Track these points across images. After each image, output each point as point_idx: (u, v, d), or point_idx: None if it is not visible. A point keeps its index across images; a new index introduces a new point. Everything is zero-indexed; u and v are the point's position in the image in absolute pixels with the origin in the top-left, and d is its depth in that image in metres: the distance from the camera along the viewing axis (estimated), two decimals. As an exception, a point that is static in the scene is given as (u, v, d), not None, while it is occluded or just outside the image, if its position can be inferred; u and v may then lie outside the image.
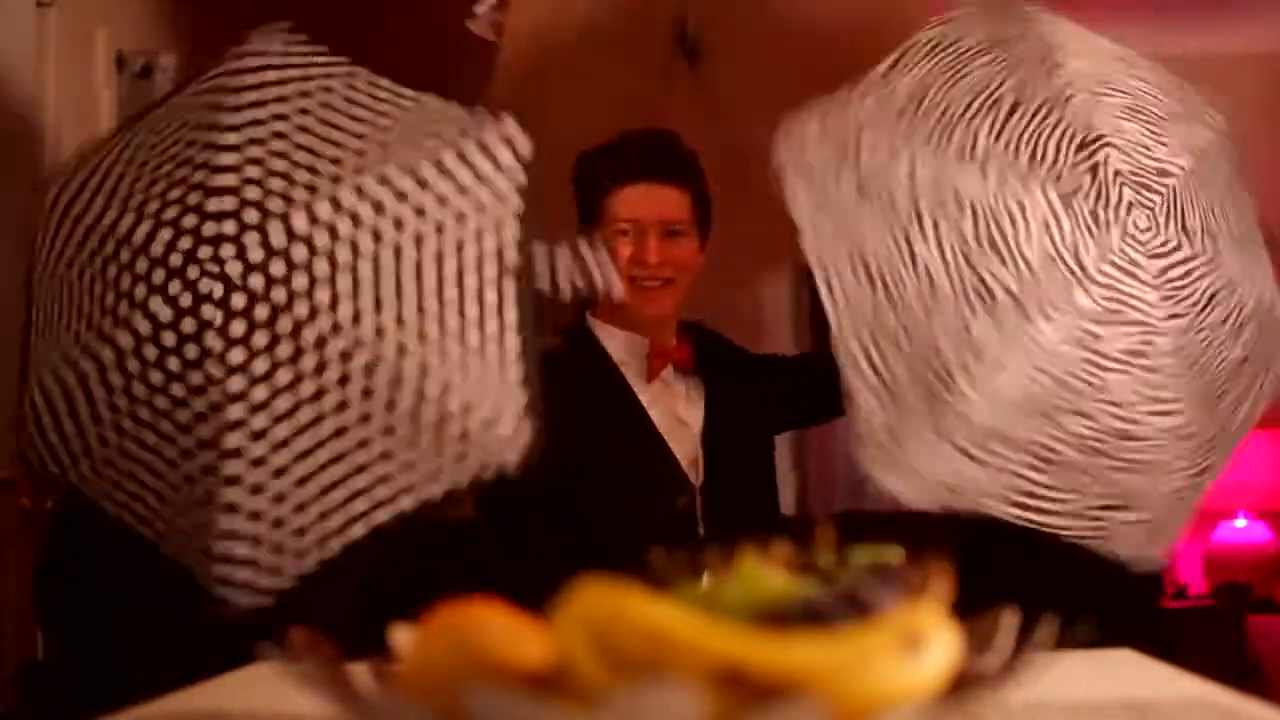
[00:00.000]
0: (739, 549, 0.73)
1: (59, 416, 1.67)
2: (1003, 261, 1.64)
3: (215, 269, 1.56)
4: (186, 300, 1.56)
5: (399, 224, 1.56)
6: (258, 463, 1.56)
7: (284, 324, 1.54)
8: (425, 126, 1.63)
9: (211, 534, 1.59)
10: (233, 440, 1.55)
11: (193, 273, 1.57)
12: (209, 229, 1.58)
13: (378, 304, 1.54)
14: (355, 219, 1.56)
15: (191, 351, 1.56)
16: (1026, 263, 1.64)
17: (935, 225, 1.64)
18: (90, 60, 2.72)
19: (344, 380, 1.54)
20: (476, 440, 1.56)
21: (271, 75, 1.66)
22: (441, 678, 0.70)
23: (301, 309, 1.54)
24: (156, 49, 2.83)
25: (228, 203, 1.58)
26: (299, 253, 1.55)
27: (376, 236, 1.56)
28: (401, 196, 1.57)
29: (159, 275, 1.59)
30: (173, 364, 1.58)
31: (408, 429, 1.55)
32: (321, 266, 1.55)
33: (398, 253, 1.56)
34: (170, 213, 1.60)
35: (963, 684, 0.72)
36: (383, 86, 1.68)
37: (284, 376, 1.54)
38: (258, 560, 1.60)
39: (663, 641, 0.63)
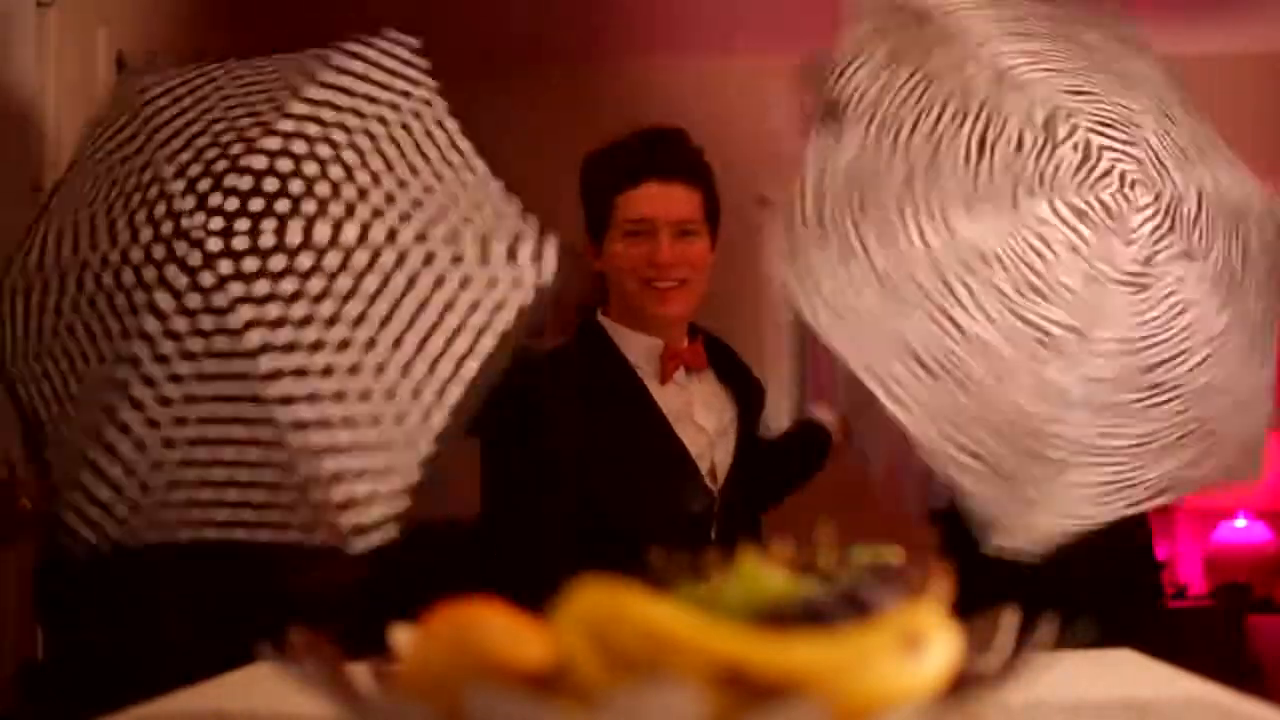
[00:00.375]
0: (740, 550, 0.73)
1: (102, 469, 1.64)
2: (1048, 299, 1.62)
3: (201, 221, 1.59)
4: (198, 258, 1.59)
5: (352, 121, 1.67)
6: (327, 372, 1.57)
7: (292, 236, 1.58)
8: (330, 51, 1.75)
9: (311, 459, 1.57)
10: (293, 363, 1.56)
11: (189, 235, 1.60)
12: (186, 203, 1.61)
13: (363, 194, 1.61)
14: (319, 121, 1.65)
15: (221, 301, 1.57)
16: (1069, 289, 1.62)
17: (970, 291, 1.60)
18: (90, 60, 2.72)
19: (375, 258, 1.59)
20: (517, 264, 1.63)
21: (181, 88, 1.74)
22: (441, 678, 0.70)
23: (298, 223, 1.58)
24: (156, 49, 2.83)
25: (194, 170, 1.63)
26: (284, 164, 1.61)
27: (345, 129, 1.65)
28: (346, 92, 1.68)
29: (158, 251, 1.61)
30: (206, 324, 1.59)
31: (456, 269, 1.60)
32: (311, 168, 1.61)
33: (364, 142, 1.66)
34: (141, 214, 1.63)
35: (963, 684, 0.72)
36: (275, 56, 1.79)
37: (315, 285, 1.57)
38: (369, 468, 1.59)
39: (663, 641, 0.63)
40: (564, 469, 1.81)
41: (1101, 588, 2.11)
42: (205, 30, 3.17)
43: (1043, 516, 1.68)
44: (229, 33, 1.92)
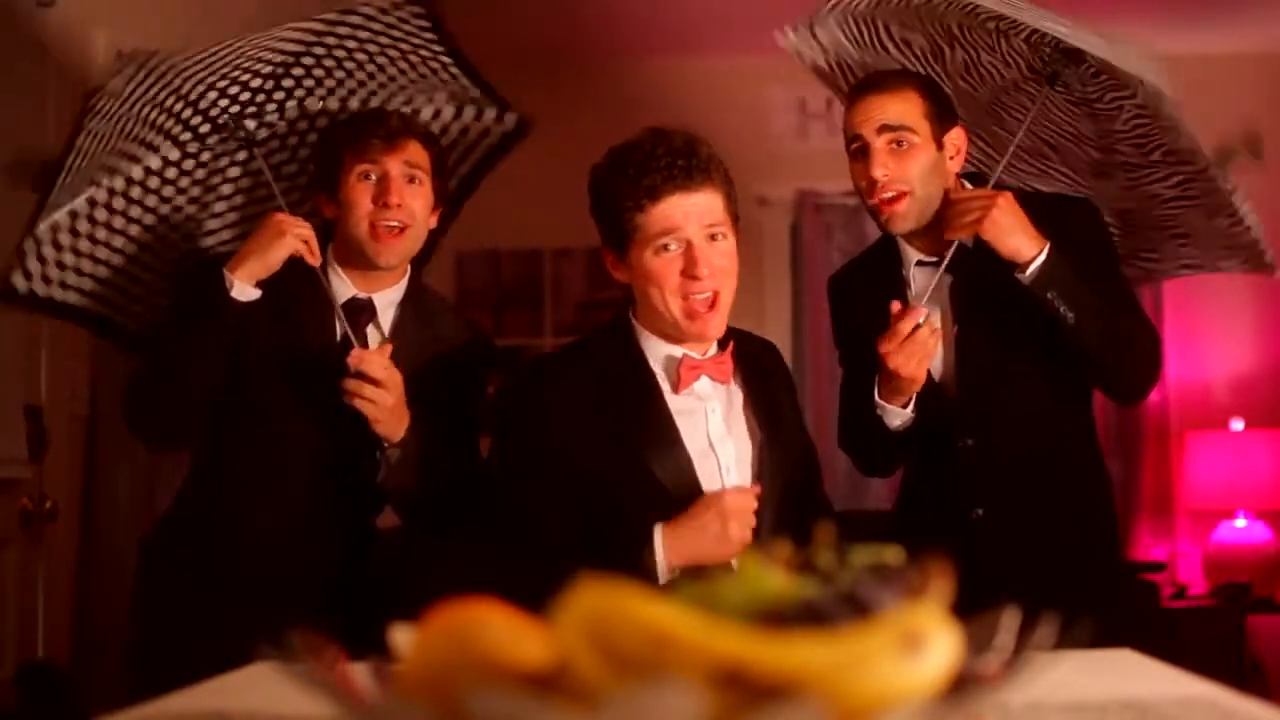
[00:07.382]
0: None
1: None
2: None
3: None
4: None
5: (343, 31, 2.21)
6: None
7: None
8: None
9: None
10: None
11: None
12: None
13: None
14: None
15: None
16: None
17: None
18: (90, 60, 2.72)
19: None
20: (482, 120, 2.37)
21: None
22: (441, 678, 0.70)
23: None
24: (156, 49, 2.83)
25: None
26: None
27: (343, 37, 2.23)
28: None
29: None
30: None
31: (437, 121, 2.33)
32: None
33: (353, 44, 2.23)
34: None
35: (963, 684, 0.72)
36: None
37: None
38: None
39: (663, 641, 0.63)
40: (566, 467, 1.79)
41: (1102, 588, 2.12)
42: (206, 31, 3.17)
43: None
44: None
